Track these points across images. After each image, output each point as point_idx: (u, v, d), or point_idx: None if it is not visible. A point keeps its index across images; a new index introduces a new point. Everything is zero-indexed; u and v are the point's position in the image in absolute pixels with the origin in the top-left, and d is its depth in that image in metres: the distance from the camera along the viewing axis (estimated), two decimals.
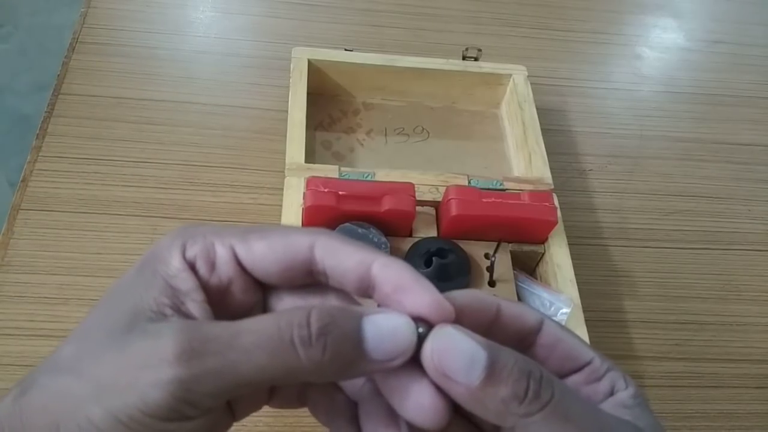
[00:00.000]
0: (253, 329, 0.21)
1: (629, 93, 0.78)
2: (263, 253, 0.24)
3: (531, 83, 0.66)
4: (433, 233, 0.54)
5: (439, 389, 0.22)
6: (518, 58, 0.69)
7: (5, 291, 0.52)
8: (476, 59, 0.67)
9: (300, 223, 0.51)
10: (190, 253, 0.23)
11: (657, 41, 0.85)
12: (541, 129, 0.62)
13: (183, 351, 0.20)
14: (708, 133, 0.75)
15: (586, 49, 0.82)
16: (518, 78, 0.66)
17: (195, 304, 0.23)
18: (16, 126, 1.54)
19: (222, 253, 0.24)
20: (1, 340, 0.50)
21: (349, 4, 0.80)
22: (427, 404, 0.22)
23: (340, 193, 0.51)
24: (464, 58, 0.67)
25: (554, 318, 0.50)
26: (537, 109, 0.64)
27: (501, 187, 0.57)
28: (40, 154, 0.61)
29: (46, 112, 0.64)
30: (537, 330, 0.25)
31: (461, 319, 0.23)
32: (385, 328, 0.22)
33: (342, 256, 0.23)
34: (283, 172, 0.55)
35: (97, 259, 0.55)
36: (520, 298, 0.52)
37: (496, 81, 0.67)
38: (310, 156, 0.61)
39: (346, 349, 0.21)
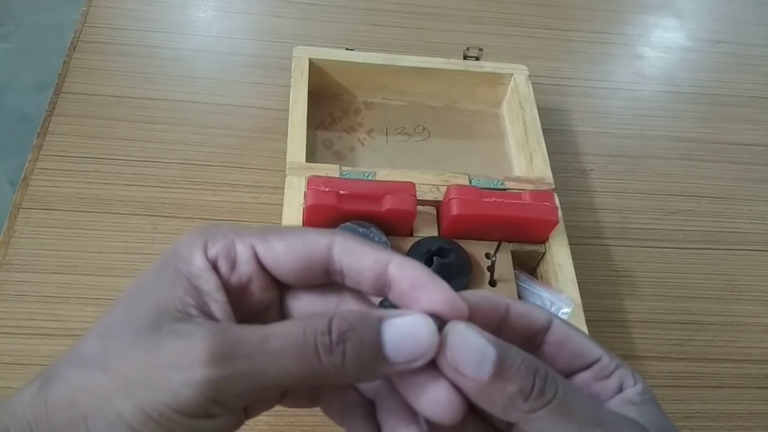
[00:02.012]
0: (281, 334, 0.22)
1: (630, 93, 0.78)
2: (283, 252, 0.24)
3: (532, 83, 0.66)
4: (434, 233, 0.54)
5: (454, 386, 0.22)
6: (519, 58, 0.69)
7: (6, 290, 0.52)
8: (477, 59, 0.67)
9: (301, 223, 0.51)
10: (212, 251, 0.24)
11: (658, 41, 0.85)
12: (542, 128, 0.62)
13: (216, 353, 0.21)
14: (709, 133, 0.75)
15: (587, 48, 0.82)
16: (519, 77, 0.66)
17: (217, 305, 0.23)
18: (17, 125, 1.54)
19: (242, 252, 0.24)
20: (1, 338, 0.50)
21: (351, 4, 0.80)
22: (442, 399, 0.22)
23: (341, 192, 0.51)
24: (465, 57, 0.67)
25: None
26: (538, 108, 0.64)
27: (502, 186, 0.57)
28: (41, 153, 0.61)
29: (47, 110, 0.64)
30: (546, 329, 0.26)
31: (471, 317, 0.23)
32: (405, 331, 0.22)
33: (360, 255, 0.24)
34: (284, 171, 0.55)
35: (97, 258, 0.55)
36: (520, 298, 0.52)
37: (498, 80, 0.67)
38: (311, 155, 0.61)
39: (365, 355, 0.22)
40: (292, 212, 0.52)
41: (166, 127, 0.65)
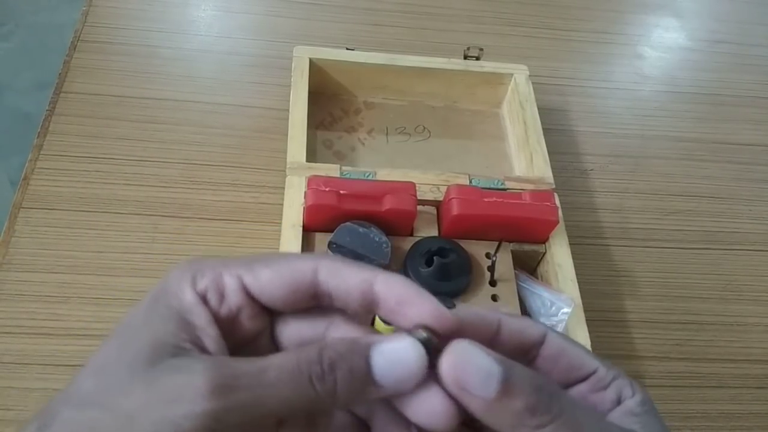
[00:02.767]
0: (277, 365, 0.23)
1: (631, 93, 0.78)
2: (269, 279, 0.25)
3: (532, 83, 0.66)
4: (434, 233, 0.54)
5: (448, 393, 0.23)
6: (520, 58, 0.69)
7: (6, 289, 0.52)
8: (478, 58, 0.67)
9: (301, 223, 0.51)
10: (201, 285, 0.25)
11: (659, 41, 0.85)
12: (543, 128, 0.62)
13: (217, 385, 0.22)
14: (709, 133, 0.75)
15: (587, 48, 0.82)
16: (520, 77, 0.66)
17: (210, 339, 0.24)
18: (18, 124, 1.54)
19: (230, 283, 0.25)
20: (1, 338, 0.50)
21: (351, 3, 0.80)
22: (437, 408, 0.23)
23: (341, 192, 0.51)
24: (466, 57, 0.67)
25: (555, 318, 0.50)
26: (538, 108, 0.64)
27: (502, 186, 0.57)
28: (41, 152, 0.61)
29: (47, 110, 0.64)
30: (540, 343, 0.26)
31: (462, 335, 0.24)
32: (393, 357, 0.23)
33: (345, 275, 0.25)
34: (285, 171, 0.55)
35: (97, 258, 0.55)
36: (521, 298, 0.52)
37: (498, 80, 0.67)
38: (312, 155, 0.61)
39: (356, 381, 0.23)
40: (293, 212, 0.52)
41: (167, 126, 0.65)
